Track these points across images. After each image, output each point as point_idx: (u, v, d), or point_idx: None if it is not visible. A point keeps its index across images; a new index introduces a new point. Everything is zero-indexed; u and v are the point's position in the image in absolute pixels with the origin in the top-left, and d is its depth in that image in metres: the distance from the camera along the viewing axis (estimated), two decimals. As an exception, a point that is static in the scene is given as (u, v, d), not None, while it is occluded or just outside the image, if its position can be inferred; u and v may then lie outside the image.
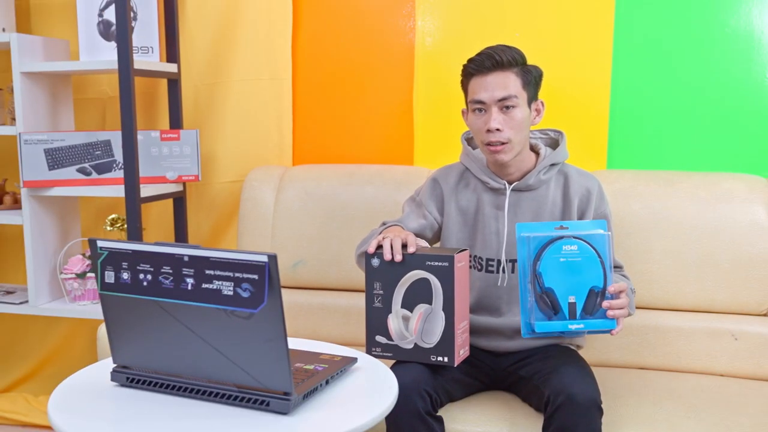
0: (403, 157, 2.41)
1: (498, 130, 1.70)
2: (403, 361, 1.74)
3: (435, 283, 1.56)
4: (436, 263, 1.55)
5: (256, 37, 2.44)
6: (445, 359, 1.58)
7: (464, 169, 1.88)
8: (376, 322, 1.62)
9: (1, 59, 2.63)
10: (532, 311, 1.59)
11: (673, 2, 2.18)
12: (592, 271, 1.58)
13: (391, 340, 1.61)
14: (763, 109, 2.15)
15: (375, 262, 1.60)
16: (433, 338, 1.58)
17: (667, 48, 2.19)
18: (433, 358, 1.59)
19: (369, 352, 1.63)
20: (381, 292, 1.60)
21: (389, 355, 1.62)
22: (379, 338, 1.62)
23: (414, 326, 1.58)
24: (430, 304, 1.57)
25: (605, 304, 1.57)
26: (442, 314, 1.56)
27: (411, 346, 1.60)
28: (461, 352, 1.61)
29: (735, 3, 2.14)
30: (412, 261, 1.57)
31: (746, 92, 2.16)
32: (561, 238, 1.58)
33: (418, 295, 1.58)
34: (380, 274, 1.60)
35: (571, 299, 1.58)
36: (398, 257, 1.58)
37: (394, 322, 1.60)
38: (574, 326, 1.58)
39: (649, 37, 2.20)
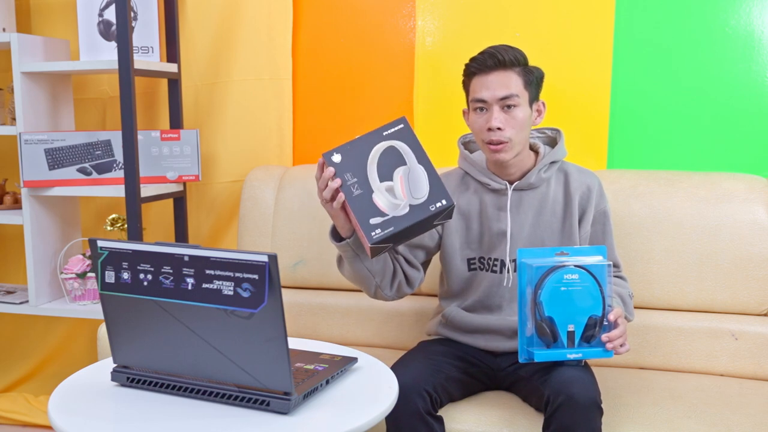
0: (403, 157, 2.41)
1: (499, 129, 1.70)
2: (404, 362, 1.74)
3: (401, 145, 1.54)
4: (392, 129, 1.54)
5: (256, 37, 2.45)
6: (444, 202, 1.53)
7: (463, 173, 1.88)
8: (364, 209, 1.54)
9: (2, 59, 2.63)
10: (531, 338, 1.61)
11: (673, 2, 2.18)
12: (592, 300, 1.59)
13: (386, 215, 1.53)
14: (763, 109, 2.15)
15: (336, 157, 1.54)
16: (422, 191, 1.53)
17: (667, 48, 2.20)
18: (432, 208, 1.52)
19: (371, 239, 1.52)
20: (355, 179, 1.54)
21: (391, 229, 1.52)
22: (374, 220, 1.53)
23: (400, 189, 1.53)
24: (405, 165, 1.54)
25: (604, 337, 1.59)
26: (420, 166, 1.53)
27: (407, 209, 1.53)
28: (452, 195, 1.55)
29: (735, 3, 2.14)
30: (370, 139, 1.54)
31: (746, 92, 2.16)
32: (563, 266, 1.58)
33: (390, 164, 1.54)
34: (346, 165, 1.54)
35: (570, 328, 1.60)
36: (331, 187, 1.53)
37: (380, 197, 1.53)
38: (572, 355, 1.60)
39: (649, 37, 2.20)
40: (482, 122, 1.73)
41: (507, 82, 1.70)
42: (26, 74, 2.30)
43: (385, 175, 1.53)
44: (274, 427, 1.19)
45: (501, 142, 1.71)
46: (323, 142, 2.49)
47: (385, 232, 1.52)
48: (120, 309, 1.29)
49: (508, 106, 1.70)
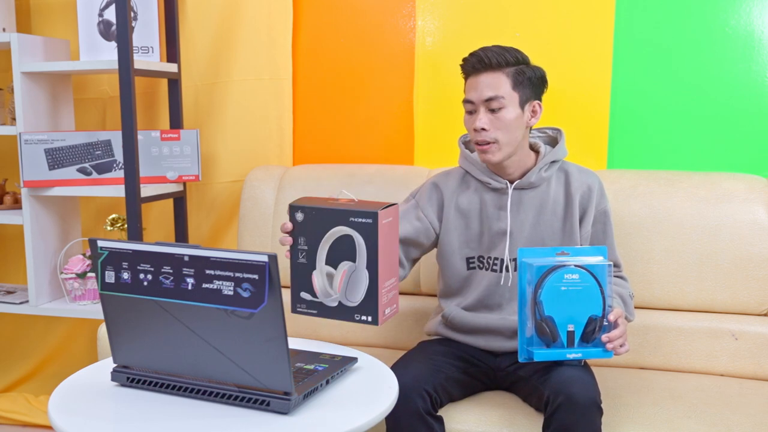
0: (403, 157, 2.41)
1: (484, 129, 1.71)
2: (404, 362, 1.75)
3: (359, 240, 1.48)
4: (360, 219, 1.47)
5: (256, 37, 2.45)
6: (369, 318, 1.49)
7: (464, 172, 1.88)
8: (300, 278, 1.53)
9: (2, 59, 2.63)
10: (531, 338, 1.61)
11: (673, 2, 2.18)
12: (592, 300, 1.59)
13: (316, 297, 1.53)
14: (763, 109, 2.15)
15: (299, 216, 1.51)
16: (357, 297, 1.49)
17: (667, 48, 2.19)
18: (357, 317, 1.50)
19: (294, 309, 1.54)
20: (305, 247, 1.51)
21: (314, 312, 1.53)
22: (304, 295, 1.53)
23: (338, 284, 1.50)
24: (355, 261, 1.49)
25: (604, 338, 1.59)
26: (366, 273, 1.48)
27: (335, 304, 1.51)
28: (387, 311, 1.52)
29: (735, 3, 2.14)
30: (336, 216, 1.49)
31: (746, 92, 2.16)
32: (563, 266, 1.58)
33: (343, 251, 1.49)
34: (304, 229, 1.51)
35: (570, 327, 1.60)
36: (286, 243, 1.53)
37: (318, 279, 1.52)
38: (571, 355, 1.60)
39: (649, 37, 2.20)
40: (470, 123, 1.75)
41: (494, 84, 1.71)
42: (26, 74, 2.30)
43: (334, 259, 1.50)
44: (274, 427, 1.19)
45: (487, 143, 1.72)
46: (323, 142, 2.49)
47: (308, 312, 1.54)
48: (120, 309, 1.29)
49: (494, 109, 1.71)
